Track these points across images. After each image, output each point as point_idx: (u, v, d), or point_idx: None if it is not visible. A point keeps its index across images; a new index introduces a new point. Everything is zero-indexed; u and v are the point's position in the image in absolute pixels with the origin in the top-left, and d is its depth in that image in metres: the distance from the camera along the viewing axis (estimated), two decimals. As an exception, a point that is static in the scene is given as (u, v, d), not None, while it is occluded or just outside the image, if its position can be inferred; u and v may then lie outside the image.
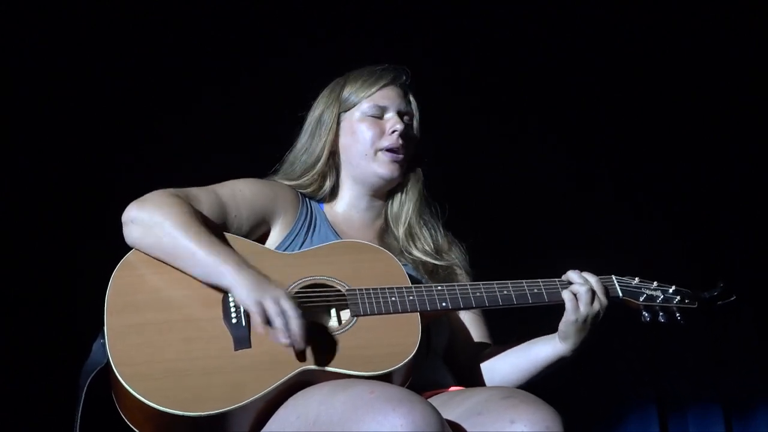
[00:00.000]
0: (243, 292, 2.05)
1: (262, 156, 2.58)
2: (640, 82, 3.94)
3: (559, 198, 3.86)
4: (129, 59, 3.40)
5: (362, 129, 2.45)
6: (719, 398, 3.91)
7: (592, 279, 2.28)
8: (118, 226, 2.20)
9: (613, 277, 2.35)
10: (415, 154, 2.50)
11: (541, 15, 3.82)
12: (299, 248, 2.34)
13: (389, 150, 2.44)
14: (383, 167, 2.44)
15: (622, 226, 3.89)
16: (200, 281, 2.12)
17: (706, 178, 3.99)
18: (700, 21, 3.84)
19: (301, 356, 2.03)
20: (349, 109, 2.48)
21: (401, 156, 2.44)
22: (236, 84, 3.54)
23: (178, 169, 2.86)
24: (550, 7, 3.81)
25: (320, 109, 2.51)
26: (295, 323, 2.00)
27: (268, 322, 2.01)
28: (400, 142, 2.43)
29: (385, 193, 2.52)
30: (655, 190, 3.99)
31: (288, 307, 2.02)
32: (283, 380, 1.99)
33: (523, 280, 2.29)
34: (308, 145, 2.49)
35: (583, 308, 2.23)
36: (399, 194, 2.51)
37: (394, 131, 2.43)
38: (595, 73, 3.90)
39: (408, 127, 2.47)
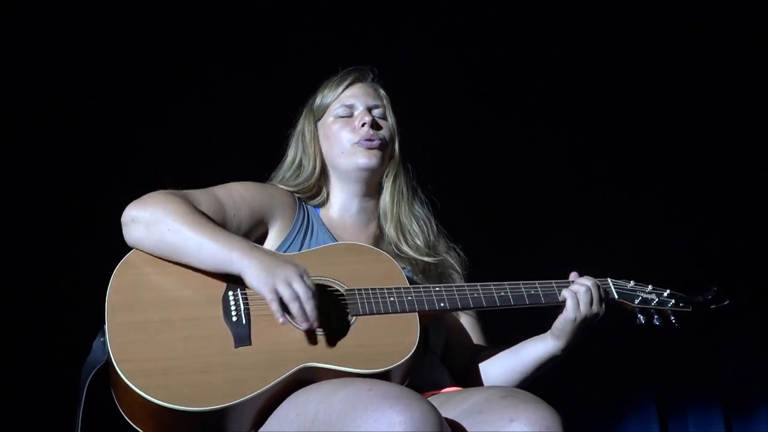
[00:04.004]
0: (254, 277, 2.06)
1: (261, 159, 2.59)
2: (639, 82, 3.94)
3: (555, 200, 3.86)
4: (129, 60, 3.40)
5: (335, 130, 2.49)
6: (719, 398, 3.91)
7: (590, 282, 2.31)
8: (119, 226, 2.20)
9: (609, 279, 2.39)
10: (396, 148, 2.52)
11: (541, 12, 3.82)
12: (297, 251, 2.35)
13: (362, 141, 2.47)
14: (362, 156, 2.45)
15: (625, 231, 3.89)
16: (207, 273, 2.13)
17: (707, 179, 3.98)
18: (701, 17, 3.84)
19: (301, 353, 2.04)
20: (321, 117, 2.54)
21: (376, 142, 2.46)
22: (237, 86, 3.53)
23: (179, 170, 2.87)
24: (549, 6, 3.82)
25: (300, 125, 2.57)
26: (310, 306, 2.03)
27: (283, 306, 2.04)
28: (371, 132, 2.46)
29: (373, 190, 2.53)
30: (659, 194, 3.99)
31: (301, 289, 2.04)
32: (283, 377, 2.00)
33: (521, 282, 2.31)
34: (301, 161, 2.53)
35: (584, 308, 2.26)
36: (386, 190, 2.52)
37: (363, 124, 2.46)
38: (595, 72, 3.90)
39: (380, 118, 2.51)
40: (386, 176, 2.52)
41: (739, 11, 3.82)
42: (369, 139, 2.45)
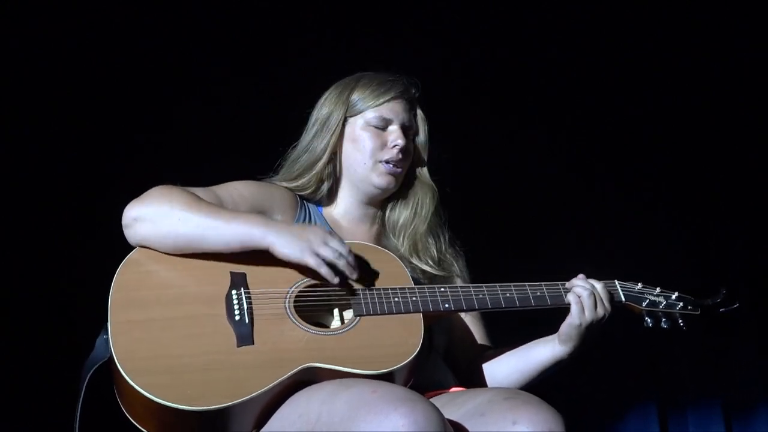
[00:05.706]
0: (288, 246, 2.09)
1: (261, 159, 2.58)
2: (639, 82, 3.94)
3: (555, 200, 3.85)
4: (129, 60, 3.40)
5: (364, 138, 2.44)
6: (719, 398, 3.91)
7: (598, 285, 2.30)
8: (119, 226, 2.19)
9: (616, 282, 2.37)
10: (423, 168, 2.50)
11: (541, 12, 3.82)
12: None
13: (388, 162, 2.43)
14: (380, 178, 2.43)
15: (626, 231, 3.89)
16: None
17: (707, 179, 3.98)
18: (701, 17, 3.84)
19: (303, 353, 2.03)
20: (354, 115, 2.47)
21: (399, 170, 2.44)
22: (237, 86, 3.53)
23: (179, 170, 2.86)
24: (549, 6, 3.82)
25: (328, 109, 2.49)
26: (352, 258, 2.12)
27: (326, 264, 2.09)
28: (400, 156, 2.43)
29: (380, 201, 2.51)
30: (659, 194, 3.99)
31: (338, 245, 2.11)
32: (285, 377, 1.99)
33: (526, 283, 2.30)
34: (311, 143, 2.48)
35: (588, 313, 2.25)
36: (403, 206, 2.49)
37: (395, 146, 2.42)
38: (595, 72, 3.90)
39: (410, 142, 2.47)
40: (412, 194, 2.49)
41: (739, 11, 3.82)
42: (395, 165, 2.43)
